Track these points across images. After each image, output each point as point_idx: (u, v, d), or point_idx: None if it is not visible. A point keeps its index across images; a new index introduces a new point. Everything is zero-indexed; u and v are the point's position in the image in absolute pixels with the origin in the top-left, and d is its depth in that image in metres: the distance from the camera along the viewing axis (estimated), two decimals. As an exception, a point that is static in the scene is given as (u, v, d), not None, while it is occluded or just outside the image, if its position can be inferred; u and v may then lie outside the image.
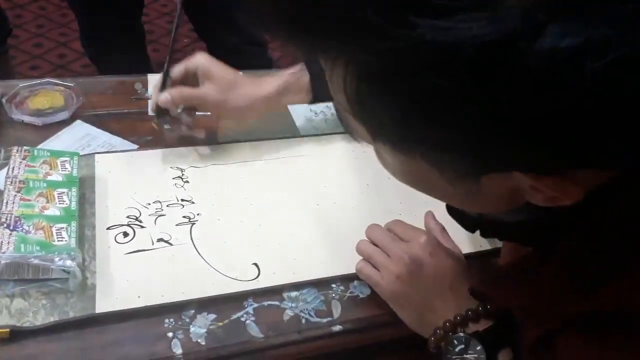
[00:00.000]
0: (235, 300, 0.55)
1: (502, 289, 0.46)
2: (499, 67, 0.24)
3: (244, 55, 1.28)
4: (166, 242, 0.60)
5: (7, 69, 1.65)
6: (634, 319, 0.34)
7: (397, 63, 0.25)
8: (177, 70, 0.66)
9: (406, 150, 0.32)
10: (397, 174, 0.38)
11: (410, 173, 0.36)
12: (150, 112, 0.66)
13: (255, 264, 0.59)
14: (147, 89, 0.81)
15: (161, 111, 0.66)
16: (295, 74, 0.69)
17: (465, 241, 0.62)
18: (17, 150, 0.62)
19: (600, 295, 0.35)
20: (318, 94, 0.70)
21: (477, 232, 0.52)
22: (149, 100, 0.79)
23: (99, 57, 1.41)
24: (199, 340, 0.52)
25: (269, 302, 0.56)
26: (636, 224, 0.33)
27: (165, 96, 0.64)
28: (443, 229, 0.61)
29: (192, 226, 0.62)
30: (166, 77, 0.65)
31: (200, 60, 0.66)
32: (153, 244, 0.59)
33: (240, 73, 0.69)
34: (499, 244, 0.64)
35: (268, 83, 0.69)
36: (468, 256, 0.60)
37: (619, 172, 0.32)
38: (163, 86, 0.65)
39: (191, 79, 0.66)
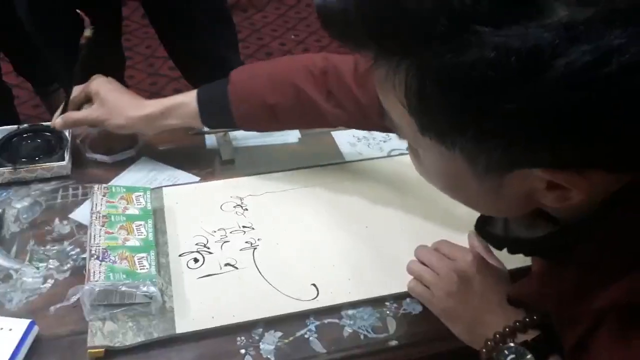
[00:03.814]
0: (298, 318, 0.61)
1: (533, 294, 0.51)
2: (537, 68, 0.30)
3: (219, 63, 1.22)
4: (232, 266, 0.66)
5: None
6: None
7: (460, 63, 0.31)
8: (76, 94, 0.77)
9: (449, 143, 0.37)
10: (430, 173, 0.43)
11: (444, 169, 0.42)
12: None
13: (314, 285, 0.64)
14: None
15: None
16: (183, 100, 0.74)
17: (509, 258, 0.65)
18: (98, 188, 0.69)
19: (615, 290, 0.39)
20: (206, 122, 0.75)
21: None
22: (205, 135, 0.86)
23: None
24: (269, 356, 0.57)
25: (329, 320, 0.61)
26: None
27: (59, 122, 0.76)
28: (487, 247, 0.65)
29: (254, 250, 0.68)
30: (66, 105, 0.76)
31: (93, 83, 0.76)
32: (221, 268, 0.65)
33: (129, 96, 0.77)
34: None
35: (150, 106, 0.75)
36: (512, 272, 0.64)
37: (625, 181, 0.37)
38: (63, 111, 0.76)
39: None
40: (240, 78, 0.72)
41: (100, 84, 0.76)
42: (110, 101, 0.75)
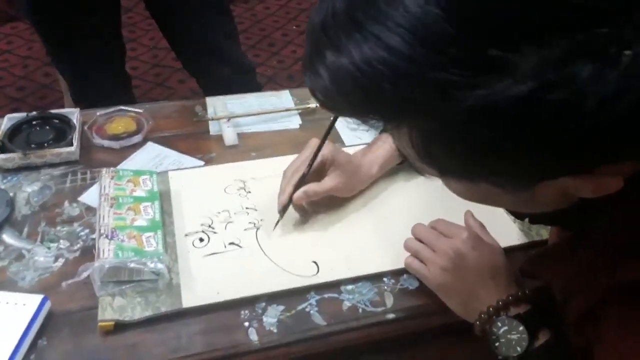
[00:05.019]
0: (300, 293, 0.63)
1: (547, 266, 0.53)
2: (527, 113, 0.31)
3: (236, 85, 1.22)
4: (236, 245, 0.68)
5: None
6: None
7: (453, 124, 0.33)
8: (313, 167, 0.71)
9: (470, 179, 0.39)
10: (462, 194, 0.44)
11: (475, 193, 0.43)
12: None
13: (315, 262, 0.66)
14: (206, 111, 0.91)
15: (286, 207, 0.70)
16: (387, 144, 0.75)
17: (502, 236, 0.68)
18: (106, 172, 0.71)
19: (630, 267, 0.40)
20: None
21: (514, 229, 0.57)
22: (209, 121, 0.88)
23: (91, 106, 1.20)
24: (271, 329, 0.60)
25: (329, 295, 0.63)
26: None
27: (300, 196, 0.70)
28: (482, 225, 0.67)
29: (257, 230, 0.70)
30: (303, 178, 0.70)
31: (326, 151, 0.72)
32: (225, 247, 0.68)
33: (354, 152, 0.74)
34: (535, 237, 0.70)
35: (379, 158, 0.75)
36: (506, 249, 0.66)
37: None
38: (298, 184, 0.70)
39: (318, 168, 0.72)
40: None
41: (334, 153, 0.72)
42: (351, 167, 0.73)
